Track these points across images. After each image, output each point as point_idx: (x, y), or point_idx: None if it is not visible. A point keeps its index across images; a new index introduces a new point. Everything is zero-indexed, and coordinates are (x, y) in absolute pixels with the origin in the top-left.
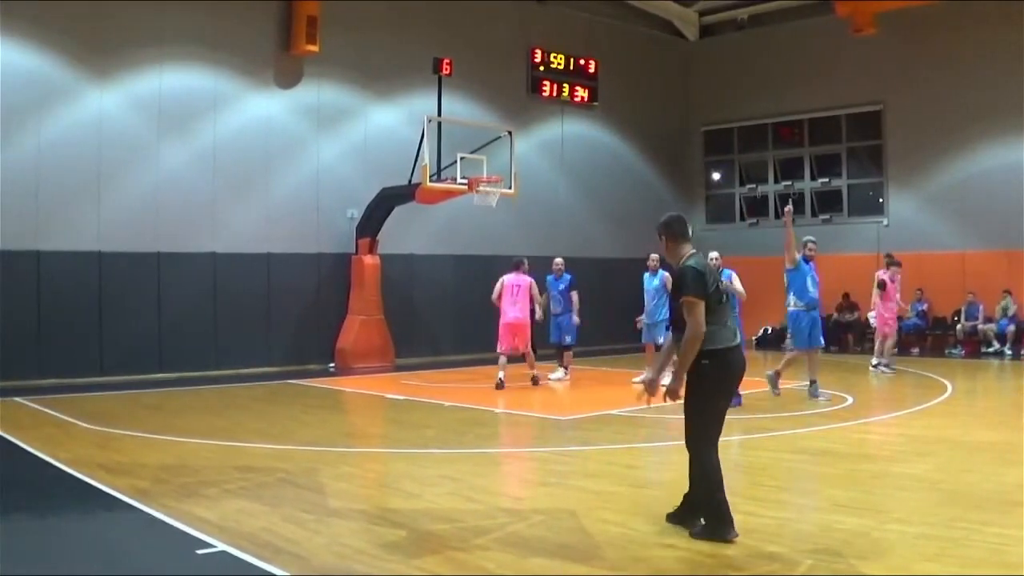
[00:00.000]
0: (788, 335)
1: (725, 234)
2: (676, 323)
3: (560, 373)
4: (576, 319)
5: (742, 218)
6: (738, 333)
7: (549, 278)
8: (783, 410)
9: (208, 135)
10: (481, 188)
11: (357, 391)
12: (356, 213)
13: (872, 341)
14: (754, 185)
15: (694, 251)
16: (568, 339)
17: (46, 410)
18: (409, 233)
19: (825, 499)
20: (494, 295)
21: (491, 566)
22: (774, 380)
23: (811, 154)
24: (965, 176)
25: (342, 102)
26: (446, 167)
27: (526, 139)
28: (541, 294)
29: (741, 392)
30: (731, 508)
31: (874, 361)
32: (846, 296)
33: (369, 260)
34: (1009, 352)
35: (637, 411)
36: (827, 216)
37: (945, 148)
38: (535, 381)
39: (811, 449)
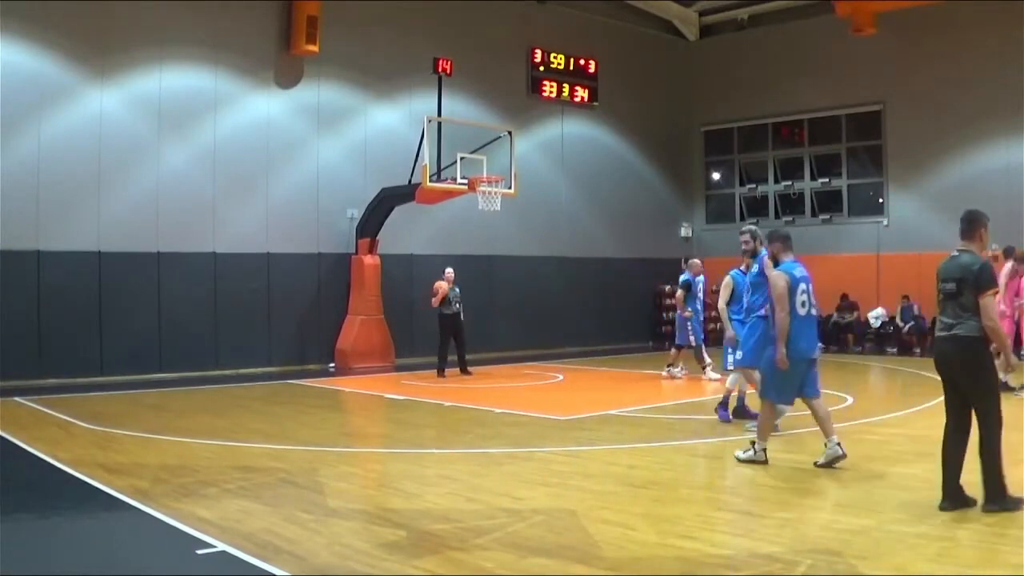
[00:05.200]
0: None
1: (725, 234)
2: None
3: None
4: None
5: (742, 218)
6: (946, 323)
7: (692, 278)
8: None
9: (208, 135)
10: (482, 188)
11: (357, 391)
12: (356, 213)
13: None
14: (754, 185)
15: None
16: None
17: (46, 410)
18: (409, 233)
19: (825, 499)
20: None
21: (491, 566)
22: None
23: (811, 154)
24: (965, 176)
25: (342, 102)
26: (446, 167)
27: (526, 139)
28: (687, 295)
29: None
30: (735, 508)
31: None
32: (844, 296)
33: (369, 260)
34: None
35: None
36: (827, 216)
37: (945, 148)
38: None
39: (811, 449)
